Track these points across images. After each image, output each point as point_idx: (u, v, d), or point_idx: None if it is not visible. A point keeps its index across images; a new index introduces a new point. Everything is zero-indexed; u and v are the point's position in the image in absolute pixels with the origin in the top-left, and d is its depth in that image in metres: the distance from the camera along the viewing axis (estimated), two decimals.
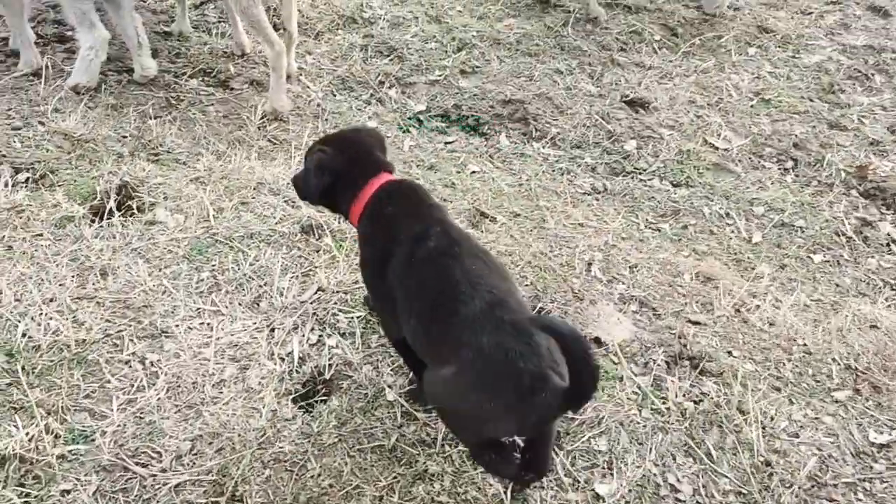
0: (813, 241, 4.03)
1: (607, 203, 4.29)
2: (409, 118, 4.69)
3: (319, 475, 2.19)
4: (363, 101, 4.73)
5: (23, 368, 2.27)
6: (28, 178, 3.04)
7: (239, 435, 2.27)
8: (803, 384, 2.84)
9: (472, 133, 4.69)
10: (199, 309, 2.58)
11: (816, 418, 2.66)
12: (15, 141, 3.24)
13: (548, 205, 4.12)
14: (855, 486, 2.42)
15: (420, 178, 4.05)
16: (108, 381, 2.32)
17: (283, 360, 2.49)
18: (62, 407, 2.21)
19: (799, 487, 2.39)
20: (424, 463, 2.26)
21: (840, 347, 3.10)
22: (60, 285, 2.54)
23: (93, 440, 2.19)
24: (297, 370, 2.47)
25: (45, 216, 2.81)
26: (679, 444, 2.47)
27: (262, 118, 4.17)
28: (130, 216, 2.93)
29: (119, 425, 2.24)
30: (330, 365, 2.51)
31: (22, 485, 2.06)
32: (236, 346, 2.51)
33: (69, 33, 4.44)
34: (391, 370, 2.52)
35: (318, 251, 2.97)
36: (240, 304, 2.63)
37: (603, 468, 2.33)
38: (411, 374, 2.44)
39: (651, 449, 2.42)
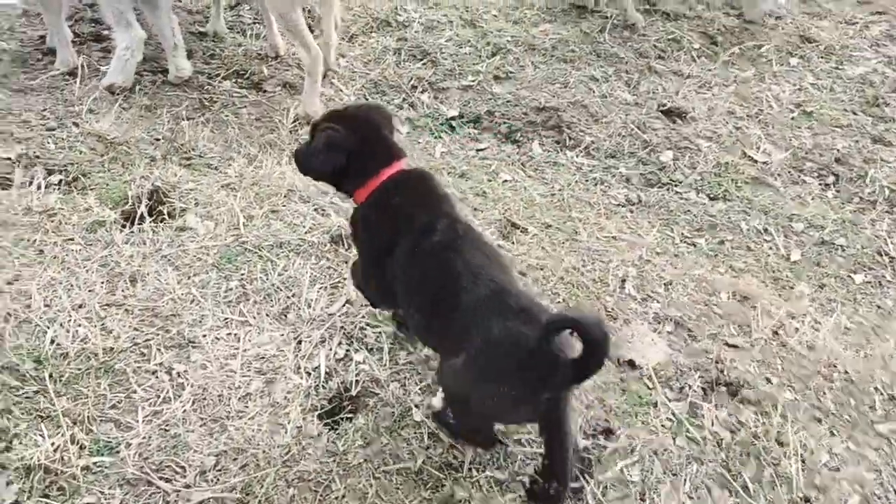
0: (854, 261, 3.90)
1: (642, 215, 4.19)
2: (442, 124, 4.64)
3: (344, 496, 2.15)
4: (395, 105, 4.69)
5: (50, 376, 2.26)
6: (60, 181, 3.04)
7: (263, 451, 2.23)
8: (845, 415, 2.73)
9: (504, 140, 4.62)
10: (226, 319, 2.55)
11: (859, 452, 2.56)
12: (49, 142, 3.25)
13: (580, 216, 4.04)
14: None
15: (451, 186, 3.99)
16: (135, 392, 2.30)
17: (309, 374, 2.45)
18: (88, 417, 2.20)
19: None
20: (451, 488, 2.21)
21: (883, 375, 2.99)
22: (90, 291, 2.53)
23: (118, 452, 2.17)
24: (323, 385, 2.43)
25: (76, 220, 2.81)
26: (715, 475, 2.39)
27: (293, 122, 4.15)
28: (161, 221, 2.91)
29: (144, 437, 2.22)
30: (357, 381, 2.46)
31: (46, 496, 2.04)
32: (263, 358, 2.48)
33: (106, 32, 4.45)
34: (419, 389, 2.47)
35: (346, 262, 2.93)
36: (267, 315, 2.60)
37: (635, 499, 2.26)
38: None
39: (685, 480, 2.34)
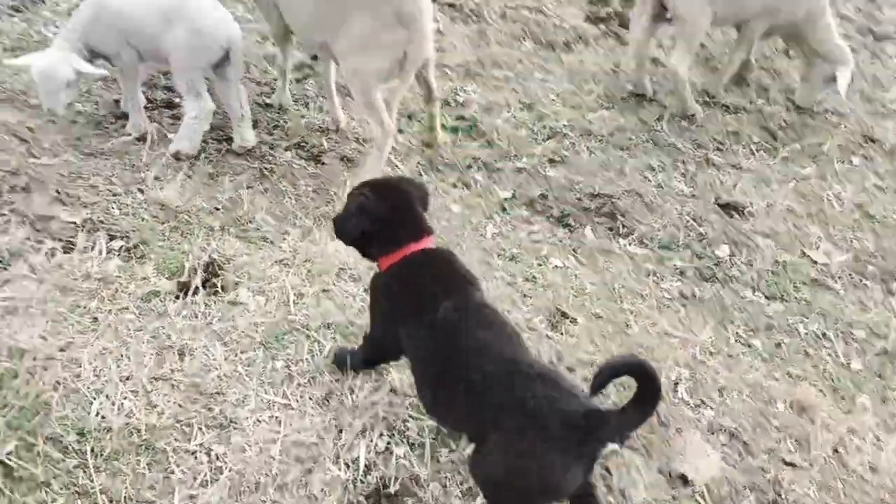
0: None
1: (695, 311, 4.09)
2: (494, 204, 4.64)
3: None
4: (449, 183, 4.72)
5: (91, 450, 2.25)
6: (121, 247, 3.11)
7: None
8: None
9: (557, 224, 4.60)
10: (269, 401, 2.53)
11: None
12: (113, 207, 3.34)
13: (632, 308, 3.96)
14: None
15: (500, 270, 3.97)
16: (173, 472, 2.27)
17: (348, 466, 2.40)
18: (125, 497, 2.17)
19: None
20: None
21: None
22: (139, 363, 2.54)
23: None
24: (361, 479, 2.37)
25: (133, 289, 2.85)
26: None
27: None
28: (214, 294, 2.94)
29: None
30: (396, 478, 2.40)
31: None
32: (303, 445, 2.44)
33: (177, 100, 4.62)
34: (459, 492, 2.40)
35: None
36: (310, 399, 2.57)
37: None
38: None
39: None
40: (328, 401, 2.58)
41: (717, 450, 2.87)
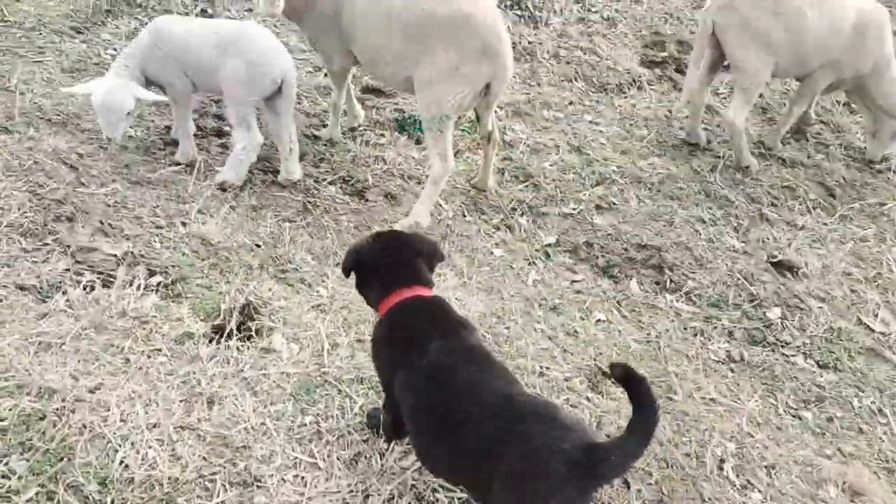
0: None
1: (743, 377, 3.91)
2: (538, 250, 4.53)
3: None
4: (492, 225, 4.63)
5: (112, 502, 2.19)
6: (160, 283, 3.08)
7: None
8: None
9: (601, 274, 4.47)
10: (296, 459, 2.45)
11: None
12: (155, 241, 3.32)
13: (677, 370, 3.80)
14: None
15: (542, 322, 3.85)
16: None
17: None
18: None
19: None
20: None
21: None
22: (167, 410, 2.49)
23: None
24: None
25: (167, 330, 2.81)
26: None
27: None
28: (248, 339, 2.88)
29: None
30: None
31: None
32: None
33: (227, 128, 4.64)
34: None
35: None
36: (338, 459, 2.48)
37: None
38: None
39: None
40: (356, 462, 2.49)
41: None
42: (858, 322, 4.37)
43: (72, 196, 3.39)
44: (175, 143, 4.36)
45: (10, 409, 2.32)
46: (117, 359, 2.64)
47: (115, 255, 3.10)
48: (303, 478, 2.39)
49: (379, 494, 2.39)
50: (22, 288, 2.83)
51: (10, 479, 2.18)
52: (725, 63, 5.18)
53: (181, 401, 2.52)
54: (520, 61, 6.13)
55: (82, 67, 4.97)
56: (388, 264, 2.45)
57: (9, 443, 2.25)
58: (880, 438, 3.69)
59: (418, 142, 5.15)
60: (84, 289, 2.92)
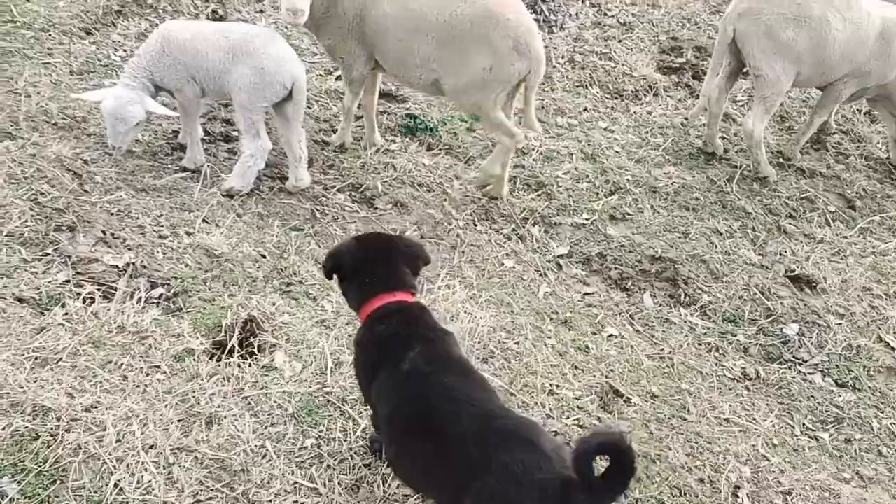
0: None
1: (759, 395, 3.81)
2: (549, 261, 4.44)
3: None
4: (504, 235, 4.55)
5: None
6: (161, 295, 3.02)
7: None
8: None
9: (613, 287, 4.37)
10: (296, 484, 2.38)
11: None
12: (158, 251, 3.26)
13: (691, 388, 3.71)
14: None
15: (552, 337, 3.76)
16: None
17: None
18: None
19: None
20: None
21: None
22: (164, 430, 2.42)
23: None
24: None
25: (167, 346, 2.75)
26: None
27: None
28: (250, 355, 2.81)
29: None
30: None
31: None
32: None
33: (235, 133, 4.57)
34: None
35: None
36: (339, 485, 2.40)
37: None
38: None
39: None
40: (358, 488, 2.41)
41: None
42: (878, 339, 4.26)
43: (74, 204, 3.33)
44: (182, 148, 4.30)
45: (3, 429, 2.26)
46: (115, 376, 2.57)
47: (117, 267, 3.03)
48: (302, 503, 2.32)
49: None
50: (21, 300, 2.78)
51: (1, 501, 2.12)
52: (745, 70, 5.07)
53: (179, 421, 2.46)
54: None
55: (91, 69, 4.92)
56: (369, 269, 2.39)
57: (1, 464, 2.19)
58: None
59: (430, 148, 5.07)
60: (84, 301, 2.86)
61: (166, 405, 2.51)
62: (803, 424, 3.72)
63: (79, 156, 3.76)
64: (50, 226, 3.17)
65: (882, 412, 3.86)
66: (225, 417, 2.51)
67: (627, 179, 5.05)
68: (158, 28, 4.10)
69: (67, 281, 2.93)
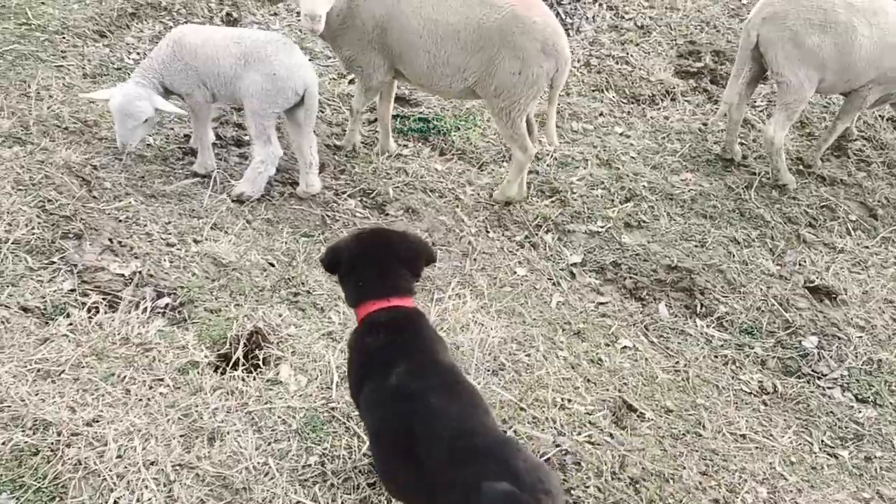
0: None
1: (776, 410, 3.72)
2: (562, 269, 4.37)
3: None
4: (516, 242, 4.48)
5: None
6: (167, 305, 2.98)
7: None
8: None
9: (628, 296, 4.29)
10: (298, 503, 2.33)
11: None
12: (165, 260, 3.23)
13: (706, 403, 3.63)
14: None
15: (564, 349, 3.69)
16: None
17: None
18: None
19: None
20: None
21: None
22: (166, 446, 2.38)
23: None
24: None
25: (170, 359, 2.71)
26: None
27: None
28: (255, 368, 2.77)
29: None
30: None
31: None
32: None
33: (246, 138, 4.54)
34: None
35: None
36: None
37: None
38: None
39: None
40: None
41: None
42: None
43: (81, 212, 3.31)
44: (193, 153, 4.28)
45: (2, 444, 2.23)
46: (117, 389, 2.54)
47: (123, 276, 3.00)
48: None
49: None
50: (25, 309, 2.75)
51: None
52: (765, 76, 4.96)
53: (181, 436, 2.42)
54: None
55: (104, 72, 4.91)
56: (364, 270, 2.33)
57: None
58: None
59: (442, 153, 5.01)
60: (88, 311, 2.83)
61: (168, 420, 2.47)
62: (822, 441, 3.62)
63: (88, 161, 3.73)
64: (57, 233, 3.14)
65: None
66: (228, 433, 2.46)
67: (643, 186, 4.96)
68: (170, 32, 4.08)
69: (73, 290, 2.90)
